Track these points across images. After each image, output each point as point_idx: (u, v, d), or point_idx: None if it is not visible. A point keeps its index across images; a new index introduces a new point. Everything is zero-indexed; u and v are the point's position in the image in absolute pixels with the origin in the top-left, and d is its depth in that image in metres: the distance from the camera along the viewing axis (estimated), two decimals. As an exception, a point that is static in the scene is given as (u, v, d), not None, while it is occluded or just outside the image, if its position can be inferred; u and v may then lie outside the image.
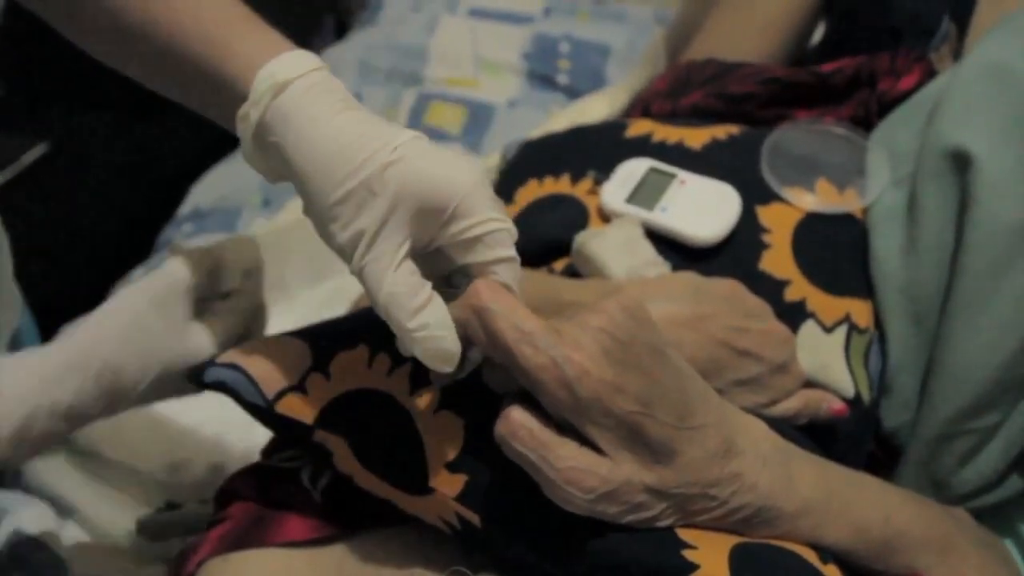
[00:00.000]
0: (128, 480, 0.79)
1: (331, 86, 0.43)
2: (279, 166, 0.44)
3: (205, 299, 0.59)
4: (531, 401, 0.41)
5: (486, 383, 0.44)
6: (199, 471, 0.78)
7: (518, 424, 0.40)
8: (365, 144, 0.41)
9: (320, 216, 0.42)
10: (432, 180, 0.41)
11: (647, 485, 0.41)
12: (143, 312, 0.55)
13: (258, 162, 0.45)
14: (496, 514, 0.45)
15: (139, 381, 0.55)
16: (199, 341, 0.57)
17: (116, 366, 0.53)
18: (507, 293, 0.41)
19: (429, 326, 0.40)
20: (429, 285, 0.41)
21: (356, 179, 0.40)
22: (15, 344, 0.77)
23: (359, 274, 0.41)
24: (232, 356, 0.52)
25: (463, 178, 0.41)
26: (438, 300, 0.41)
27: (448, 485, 0.45)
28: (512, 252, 0.42)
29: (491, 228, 0.41)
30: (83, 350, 0.53)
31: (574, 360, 0.39)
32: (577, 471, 0.40)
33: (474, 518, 0.45)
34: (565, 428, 0.41)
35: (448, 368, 0.41)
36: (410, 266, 0.41)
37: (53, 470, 0.78)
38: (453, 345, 0.41)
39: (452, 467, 0.45)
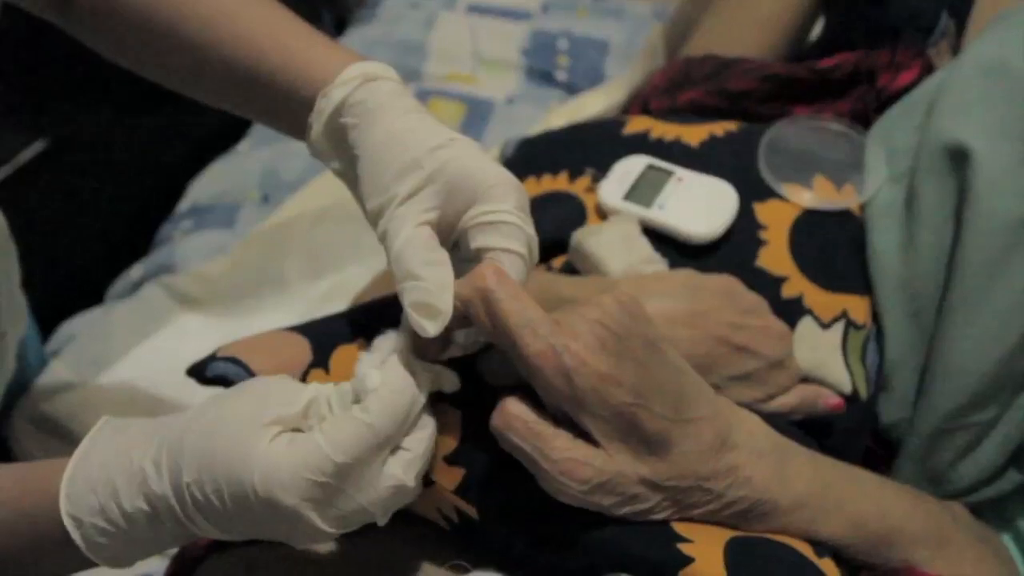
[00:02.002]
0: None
1: (408, 93, 0.47)
2: (340, 149, 0.47)
3: None
4: (527, 394, 0.41)
5: (482, 376, 0.44)
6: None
7: (513, 416, 0.41)
8: (424, 133, 0.44)
9: (368, 188, 0.44)
10: (471, 166, 0.43)
11: (642, 477, 0.42)
12: None
13: (322, 142, 0.48)
14: (493, 507, 0.45)
15: None
16: None
17: None
18: (512, 279, 0.41)
19: (430, 279, 0.40)
20: (443, 251, 0.42)
21: (408, 155, 0.43)
22: (19, 348, 0.77)
23: (384, 230, 0.43)
24: (233, 350, 0.52)
25: (500, 173, 0.43)
26: (448, 265, 0.42)
27: (446, 477, 0.46)
28: (522, 249, 0.43)
29: (507, 219, 0.43)
30: None
31: (572, 349, 0.39)
32: (572, 462, 0.40)
33: (471, 511, 0.45)
34: (560, 420, 0.41)
35: (429, 328, 0.40)
36: (431, 231, 0.43)
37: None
38: (444, 304, 0.40)
39: (450, 460, 0.46)
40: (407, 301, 0.41)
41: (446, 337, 0.42)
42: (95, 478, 0.39)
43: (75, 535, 0.39)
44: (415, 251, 0.41)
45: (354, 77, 0.46)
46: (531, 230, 0.43)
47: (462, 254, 0.44)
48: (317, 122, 0.47)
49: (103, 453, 0.40)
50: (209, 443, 0.38)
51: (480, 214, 0.43)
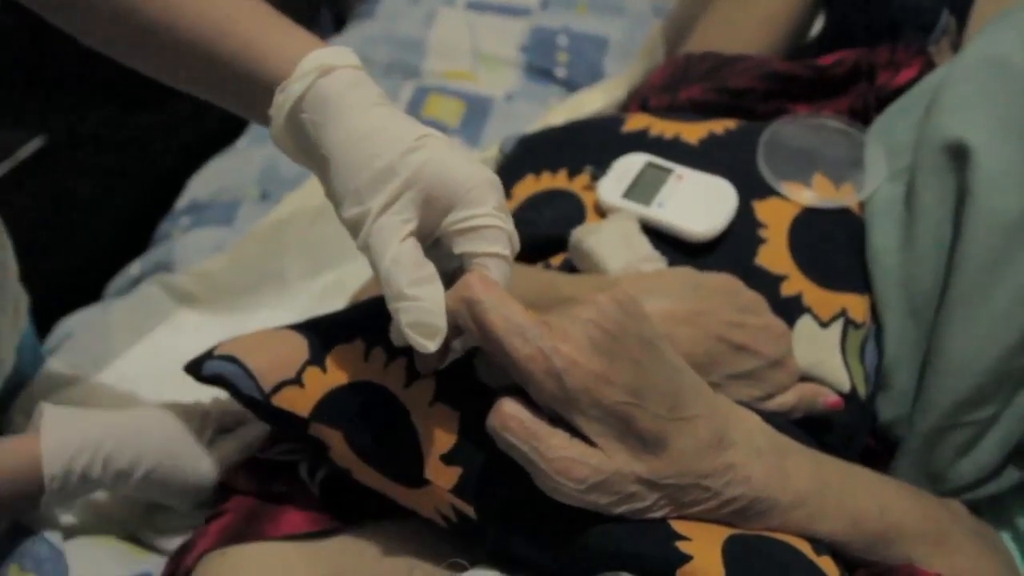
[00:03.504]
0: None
1: (369, 82, 0.46)
2: (305, 145, 0.46)
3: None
4: (523, 395, 0.41)
5: (479, 378, 0.44)
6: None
7: (509, 416, 0.41)
8: (393, 133, 0.43)
9: (340, 193, 0.44)
10: (446, 170, 0.42)
11: (638, 476, 0.42)
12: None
13: (285, 139, 0.47)
14: (490, 506, 0.45)
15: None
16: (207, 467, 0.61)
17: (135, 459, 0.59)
18: (498, 286, 0.41)
19: (423, 298, 0.41)
20: (431, 265, 0.42)
21: (380, 160, 0.42)
22: (19, 343, 0.77)
23: (366, 243, 0.43)
24: (230, 348, 0.52)
25: (476, 173, 0.43)
26: (437, 279, 0.42)
27: (443, 477, 0.46)
28: (504, 251, 0.42)
29: (489, 223, 0.42)
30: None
31: (562, 351, 0.39)
32: (568, 461, 0.40)
33: (469, 510, 0.45)
34: (556, 420, 0.41)
35: (429, 345, 0.41)
36: (415, 242, 0.42)
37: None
38: (440, 321, 0.41)
39: (447, 459, 0.46)
40: (403, 322, 0.41)
41: (444, 348, 0.43)
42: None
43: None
44: (404, 271, 0.41)
45: (311, 70, 0.44)
46: (510, 227, 0.43)
47: (441, 252, 0.44)
48: (277, 117, 0.46)
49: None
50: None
51: (461, 220, 0.42)
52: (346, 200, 0.43)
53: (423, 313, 0.41)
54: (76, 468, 0.56)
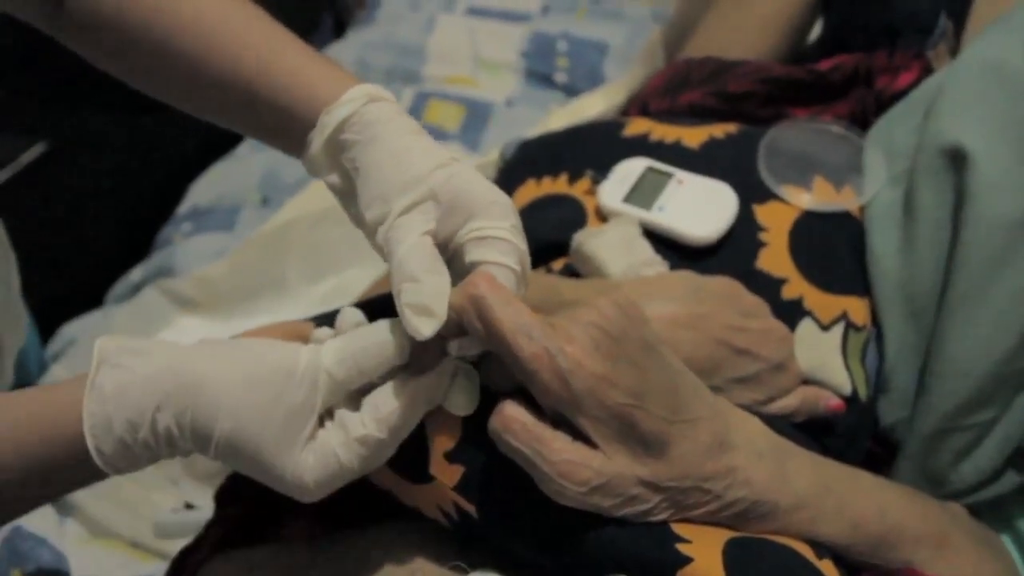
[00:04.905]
0: (128, 477, 0.79)
1: (406, 115, 0.48)
2: (339, 165, 0.48)
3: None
4: (526, 397, 0.41)
5: (482, 380, 0.45)
6: (205, 465, 0.78)
7: (511, 418, 0.41)
8: (426, 152, 0.46)
9: (367, 200, 0.46)
10: (470, 186, 0.44)
11: (640, 478, 0.42)
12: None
13: (321, 157, 0.48)
14: (492, 504, 0.45)
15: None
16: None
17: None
18: (504, 286, 0.41)
19: (428, 283, 0.41)
20: (444, 264, 0.43)
21: (410, 172, 0.45)
22: (19, 358, 0.77)
23: (385, 236, 0.44)
24: None
25: (496, 193, 0.45)
26: (448, 276, 0.43)
27: (446, 475, 0.46)
28: (514, 264, 0.43)
29: (501, 235, 0.43)
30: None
31: (568, 352, 0.40)
32: (570, 464, 0.40)
33: (471, 508, 0.46)
34: (559, 423, 0.41)
35: (423, 328, 0.41)
36: (431, 241, 0.44)
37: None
38: (439, 307, 0.41)
39: (450, 457, 0.46)
40: (403, 301, 0.41)
41: (440, 349, 0.43)
42: (111, 409, 0.40)
43: (93, 452, 0.40)
44: (420, 258, 0.42)
45: (359, 96, 0.47)
46: (524, 247, 0.44)
47: (456, 270, 0.45)
48: (319, 137, 0.48)
49: (118, 379, 0.41)
50: (242, 431, 0.41)
51: (476, 229, 0.43)
52: (373, 204, 0.45)
53: (424, 296, 0.41)
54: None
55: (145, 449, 0.41)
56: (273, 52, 0.50)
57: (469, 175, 0.45)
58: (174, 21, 0.50)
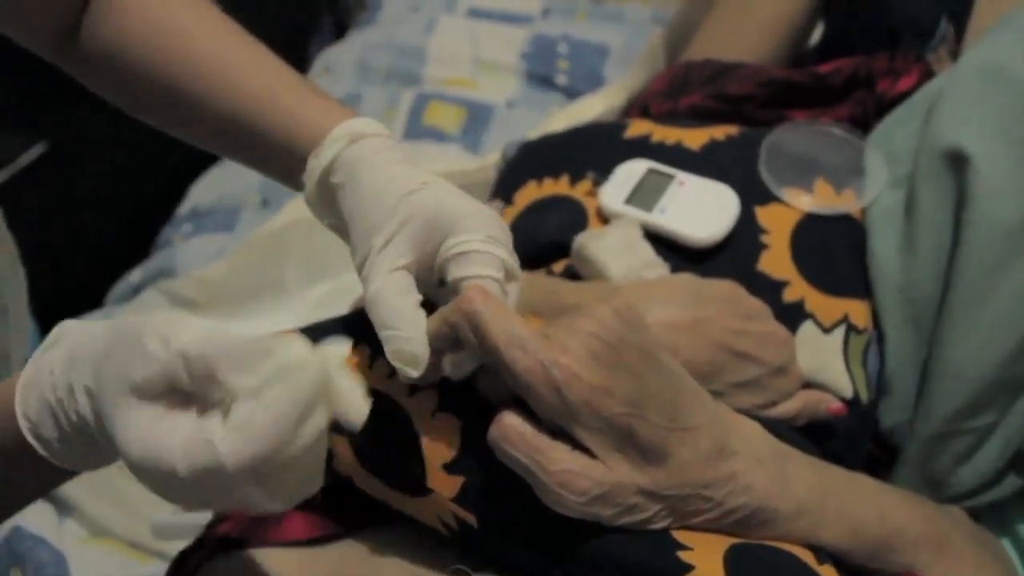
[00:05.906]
0: (129, 478, 0.79)
1: (394, 146, 0.48)
2: (333, 209, 0.48)
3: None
4: (525, 407, 0.41)
5: (480, 391, 0.45)
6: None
7: (510, 428, 0.41)
8: (401, 182, 0.45)
9: (354, 244, 0.46)
10: (441, 204, 0.44)
11: (640, 487, 0.42)
12: None
13: (316, 200, 0.49)
14: (492, 515, 0.45)
15: None
16: None
17: None
18: (497, 300, 0.41)
19: (404, 328, 0.42)
20: (416, 295, 0.44)
21: (384, 206, 0.45)
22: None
23: (365, 279, 0.44)
24: None
25: (468, 206, 0.44)
26: (420, 309, 0.43)
27: (445, 486, 0.46)
28: (496, 274, 0.43)
29: (480, 248, 0.43)
30: None
31: (562, 364, 0.39)
32: (569, 474, 0.40)
33: (471, 519, 0.45)
34: (558, 433, 0.41)
35: (412, 373, 0.42)
36: (405, 275, 0.44)
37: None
38: (421, 350, 0.42)
39: (449, 469, 0.46)
40: (388, 351, 0.42)
41: (434, 366, 0.43)
42: (44, 383, 0.38)
43: (29, 437, 0.38)
44: (384, 298, 0.43)
45: (341, 137, 0.47)
46: (504, 253, 0.44)
47: (447, 289, 0.45)
48: (309, 181, 0.48)
49: (53, 358, 0.39)
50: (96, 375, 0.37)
51: (452, 246, 0.43)
52: (357, 248, 0.45)
53: (404, 341, 0.42)
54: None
55: (68, 423, 0.37)
56: (271, 91, 0.50)
57: (441, 193, 0.45)
58: (173, 59, 0.51)
